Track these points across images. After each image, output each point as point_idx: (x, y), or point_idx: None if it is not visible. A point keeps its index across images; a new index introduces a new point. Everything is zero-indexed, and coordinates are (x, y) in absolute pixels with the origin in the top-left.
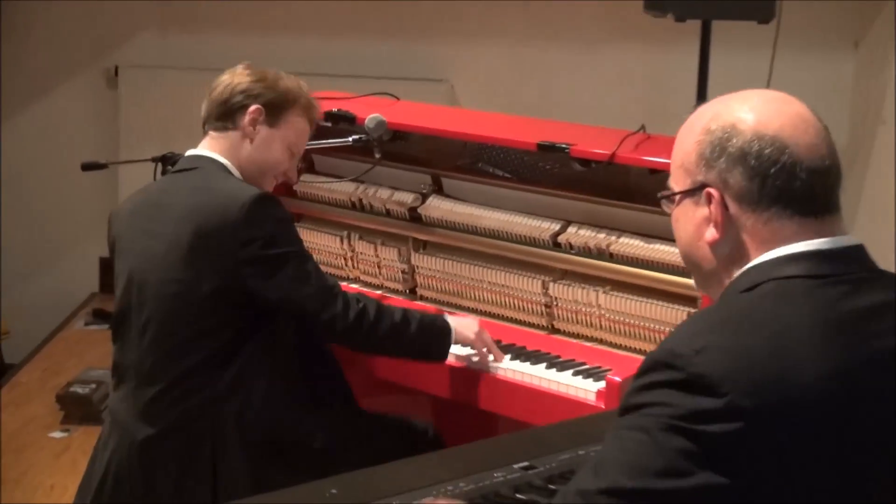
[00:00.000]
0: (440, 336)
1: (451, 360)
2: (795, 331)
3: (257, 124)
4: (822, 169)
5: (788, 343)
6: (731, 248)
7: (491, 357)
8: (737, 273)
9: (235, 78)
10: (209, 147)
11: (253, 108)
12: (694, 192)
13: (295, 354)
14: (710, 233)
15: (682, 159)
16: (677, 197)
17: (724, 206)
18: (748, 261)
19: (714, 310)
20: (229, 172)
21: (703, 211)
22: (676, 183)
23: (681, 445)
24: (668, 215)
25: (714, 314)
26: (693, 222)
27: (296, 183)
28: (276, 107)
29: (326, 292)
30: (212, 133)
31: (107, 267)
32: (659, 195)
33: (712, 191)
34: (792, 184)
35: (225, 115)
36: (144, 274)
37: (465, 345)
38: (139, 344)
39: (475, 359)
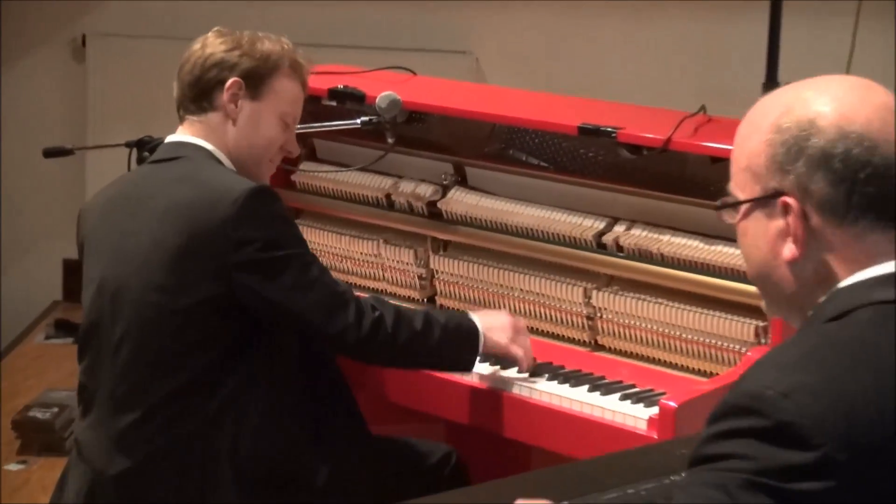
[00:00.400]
0: (467, 342)
1: (475, 380)
2: None
3: (238, 100)
4: None
5: (890, 381)
6: (814, 268)
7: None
8: (822, 297)
9: (206, 48)
10: (190, 133)
11: (230, 81)
12: (766, 200)
13: (297, 374)
14: (789, 249)
15: (749, 161)
16: (744, 207)
17: (805, 218)
18: (835, 282)
19: (799, 342)
20: (218, 161)
21: (778, 223)
22: (742, 189)
23: None
24: None
25: (800, 347)
26: (766, 237)
27: (295, 155)
28: (258, 76)
29: (336, 299)
30: (189, 118)
31: (73, 270)
32: (719, 203)
33: (789, 200)
34: (885, 190)
35: (200, 94)
36: (119, 280)
37: (497, 353)
38: (112, 363)
39: (505, 373)
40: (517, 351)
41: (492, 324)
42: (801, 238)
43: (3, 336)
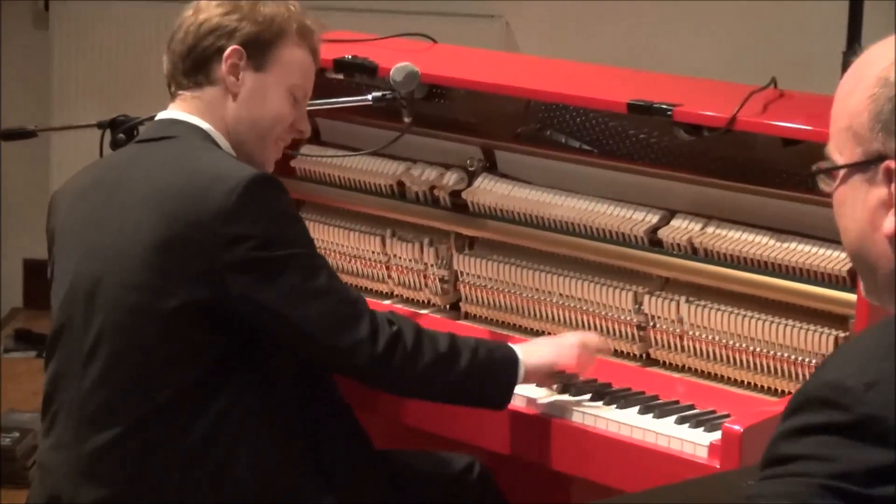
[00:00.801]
0: (503, 372)
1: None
2: None
3: (240, 71)
4: None
5: None
6: None
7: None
8: None
9: (200, 14)
10: (184, 109)
11: (229, 50)
12: (868, 165)
13: (294, 393)
14: (890, 222)
15: (850, 120)
16: (842, 172)
17: None
18: None
19: (888, 329)
20: (214, 143)
21: (880, 192)
22: (840, 152)
23: None
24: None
25: (889, 335)
26: (866, 207)
27: (307, 135)
28: (261, 43)
29: (346, 309)
30: (182, 93)
31: (34, 272)
32: (815, 168)
33: (894, 165)
34: None
35: (195, 67)
36: (94, 277)
37: (540, 385)
38: (83, 373)
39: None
40: (564, 361)
41: (534, 352)
42: None
43: None
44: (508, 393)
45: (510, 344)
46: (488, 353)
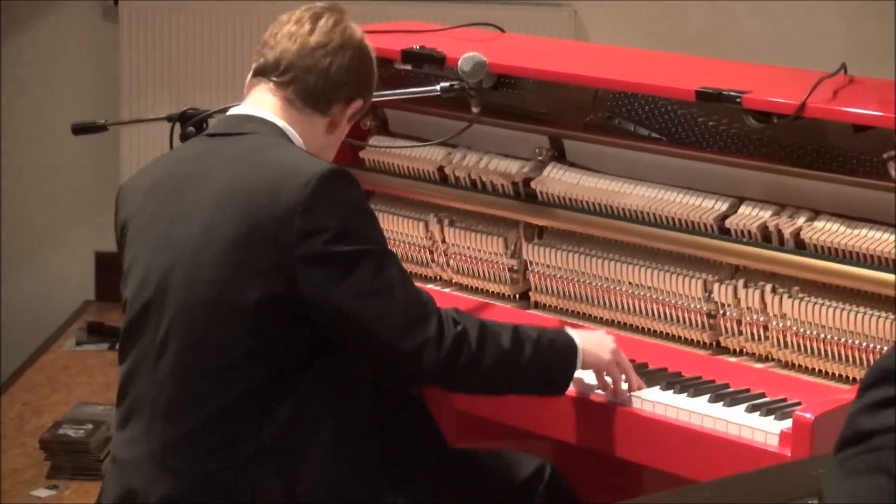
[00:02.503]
0: (563, 360)
1: (577, 391)
2: None
3: (351, 119)
4: None
5: None
6: None
7: (625, 385)
8: None
9: (350, 41)
10: (270, 110)
11: (359, 102)
12: None
13: (369, 392)
14: None
15: None
16: None
17: None
18: None
19: None
20: (290, 142)
21: None
22: None
23: None
24: (886, 188)
25: None
26: None
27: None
28: (369, 101)
29: (416, 309)
30: (282, 95)
31: (106, 265)
32: (887, 155)
33: None
34: None
35: (324, 98)
36: (166, 272)
37: (595, 369)
38: (155, 367)
39: (602, 390)
40: (617, 371)
41: (590, 339)
42: None
43: (27, 342)
44: (568, 379)
45: (567, 331)
46: (549, 343)
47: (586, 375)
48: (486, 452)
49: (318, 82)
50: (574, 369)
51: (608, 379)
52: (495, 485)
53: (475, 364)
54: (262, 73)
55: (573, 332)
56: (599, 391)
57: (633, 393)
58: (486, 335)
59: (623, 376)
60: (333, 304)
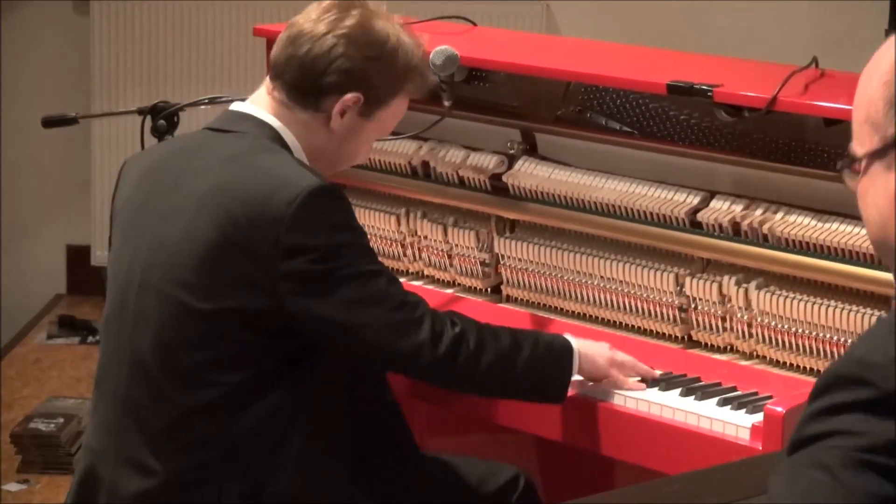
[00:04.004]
0: (559, 363)
1: None
2: None
3: (347, 114)
4: None
5: None
6: None
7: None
8: None
9: (340, 44)
10: (266, 108)
11: (351, 95)
12: (885, 151)
13: (345, 400)
14: None
15: (867, 110)
16: (864, 163)
17: None
18: None
19: None
20: (286, 147)
21: None
22: (861, 145)
23: (874, 488)
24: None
25: None
26: (885, 194)
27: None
28: (381, 97)
29: (407, 313)
30: (278, 94)
31: (77, 258)
32: (839, 166)
33: None
34: None
35: (309, 91)
36: (148, 269)
37: (591, 378)
38: (127, 360)
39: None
40: (617, 376)
41: (589, 345)
42: None
43: None
44: (565, 386)
45: (565, 335)
46: (547, 345)
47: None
48: (459, 459)
49: (297, 73)
50: (570, 373)
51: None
52: (468, 493)
53: (474, 364)
54: (271, 74)
55: (572, 338)
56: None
57: (605, 387)
58: (484, 336)
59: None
60: (323, 319)
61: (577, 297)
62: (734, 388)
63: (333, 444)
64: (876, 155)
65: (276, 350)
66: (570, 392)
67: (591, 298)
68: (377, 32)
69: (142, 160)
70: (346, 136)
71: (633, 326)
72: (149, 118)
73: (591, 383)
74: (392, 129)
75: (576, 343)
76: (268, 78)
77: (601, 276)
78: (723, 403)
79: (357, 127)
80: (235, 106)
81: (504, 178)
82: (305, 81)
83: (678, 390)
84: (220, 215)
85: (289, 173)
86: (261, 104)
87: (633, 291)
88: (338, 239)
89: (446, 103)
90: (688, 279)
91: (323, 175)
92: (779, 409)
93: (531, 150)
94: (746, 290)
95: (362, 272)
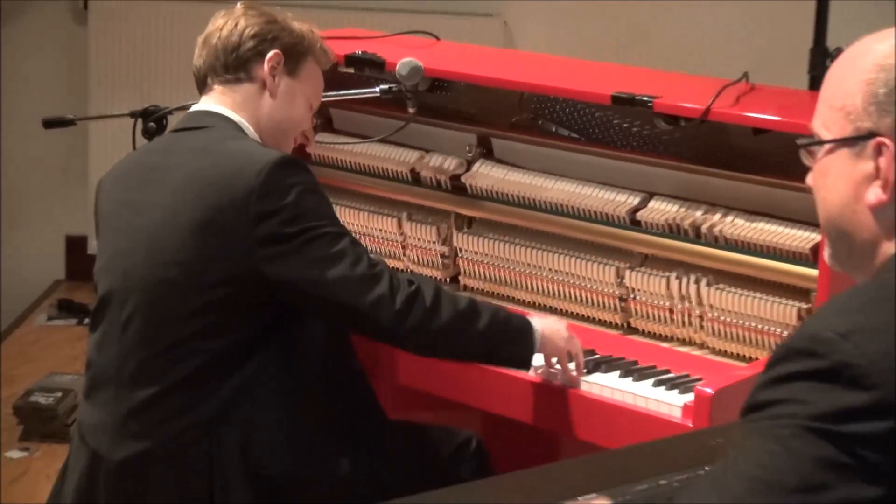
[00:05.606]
0: (520, 335)
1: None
2: None
3: (277, 74)
4: None
5: None
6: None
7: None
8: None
9: (241, 21)
10: (219, 102)
11: (272, 53)
12: (856, 140)
13: (316, 364)
14: (875, 193)
15: (843, 100)
16: (829, 146)
17: None
18: None
19: (867, 287)
20: (244, 133)
21: (867, 166)
22: (829, 128)
23: (822, 452)
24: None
25: (865, 292)
26: (850, 179)
27: (311, 142)
28: (295, 53)
29: (369, 270)
30: (218, 87)
31: (75, 247)
32: (800, 142)
33: (886, 141)
34: None
35: (237, 64)
36: (130, 255)
37: (550, 354)
38: (121, 340)
39: (551, 371)
40: (566, 359)
41: (549, 324)
42: (891, 183)
43: (2, 317)
44: (529, 356)
45: (524, 316)
46: (506, 319)
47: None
48: (421, 425)
49: (221, 57)
50: (533, 349)
51: (564, 363)
52: (429, 453)
53: (428, 320)
54: (202, 83)
55: (532, 318)
56: (547, 371)
57: (549, 367)
58: (440, 295)
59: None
60: (294, 274)
61: (527, 288)
62: (668, 371)
63: (309, 408)
64: (847, 142)
65: (256, 318)
66: (520, 374)
67: (541, 288)
68: (265, 9)
69: (114, 172)
70: (284, 97)
71: (578, 314)
72: (140, 120)
73: (539, 368)
74: (319, 99)
75: (538, 323)
76: (207, 84)
77: (550, 269)
78: (657, 384)
79: (289, 87)
80: (196, 107)
81: (463, 179)
82: (229, 59)
83: (617, 372)
84: (197, 197)
85: (253, 152)
86: (215, 102)
87: (578, 282)
88: (303, 201)
89: (411, 110)
90: (627, 272)
91: (283, 152)
92: (708, 390)
93: (488, 153)
94: (680, 283)
95: (328, 232)
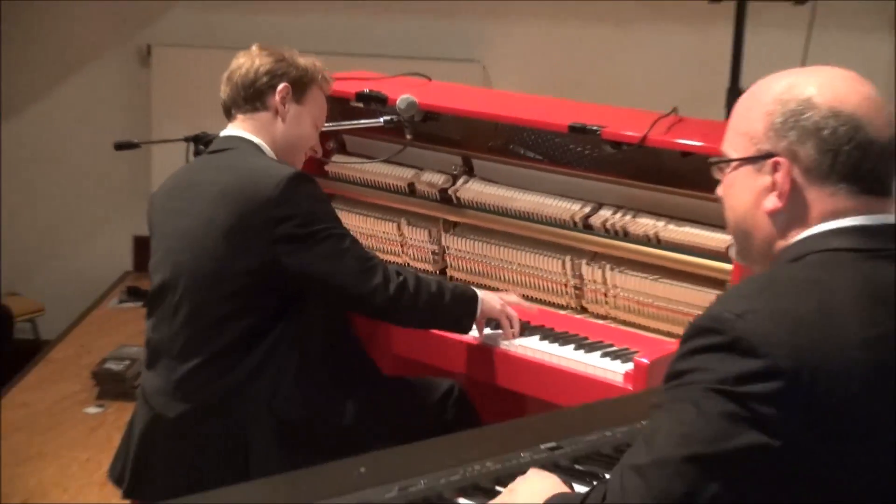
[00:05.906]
0: (470, 305)
1: (480, 340)
2: (838, 298)
3: (287, 102)
4: (890, 151)
5: (831, 309)
6: (788, 219)
7: (513, 331)
8: (786, 244)
9: (256, 60)
10: (242, 128)
11: (281, 86)
12: (758, 159)
13: (320, 337)
14: (772, 201)
15: (747, 127)
16: (735, 163)
17: (790, 177)
18: (802, 232)
19: (759, 277)
20: (262, 152)
21: (765, 180)
22: (735, 149)
23: (725, 409)
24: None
25: (759, 281)
26: (752, 190)
27: (320, 155)
28: (301, 84)
29: (367, 263)
30: (240, 116)
31: (140, 245)
32: (712, 160)
33: (781, 160)
34: (863, 163)
35: (253, 96)
36: (179, 253)
37: (490, 316)
38: (172, 321)
39: (498, 331)
40: (505, 319)
41: (487, 294)
42: (786, 193)
43: (83, 301)
44: (471, 321)
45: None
46: (462, 292)
47: (487, 330)
48: (410, 379)
49: (243, 91)
50: (475, 314)
51: (505, 323)
52: (418, 402)
53: (413, 303)
54: (227, 113)
55: (476, 290)
56: (494, 332)
57: (518, 342)
58: (420, 283)
59: (510, 324)
60: (308, 268)
61: (501, 279)
62: (612, 345)
63: (319, 367)
64: (749, 160)
65: (274, 301)
66: (494, 346)
67: (512, 279)
68: (275, 49)
69: (163, 188)
70: (293, 120)
71: (541, 300)
72: (192, 144)
73: (514, 341)
74: (323, 118)
75: (480, 293)
76: (232, 112)
77: (519, 263)
78: (604, 356)
79: (297, 112)
80: (224, 133)
81: (449, 192)
82: (248, 92)
83: (572, 346)
84: (229, 205)
85: (272, 168)
86: (238, 128)
87: (541, 274)
88: (314, 208)
89: (408, 136)
90: (581, 265)
91: (296, 168)
92: (644, 360)
93: (470, 171)
94: (623, 274)
95: (334, 233)
